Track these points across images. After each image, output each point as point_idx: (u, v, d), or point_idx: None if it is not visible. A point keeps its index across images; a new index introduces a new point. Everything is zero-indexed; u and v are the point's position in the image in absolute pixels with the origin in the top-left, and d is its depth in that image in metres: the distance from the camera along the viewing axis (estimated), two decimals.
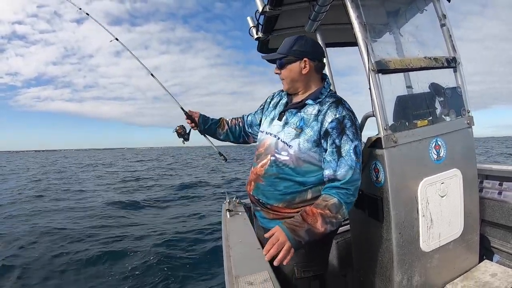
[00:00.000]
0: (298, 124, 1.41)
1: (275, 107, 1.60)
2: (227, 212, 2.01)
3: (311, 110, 1.41)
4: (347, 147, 1.29)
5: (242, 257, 1.37)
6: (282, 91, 1.62)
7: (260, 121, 1.70)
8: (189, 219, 6.71)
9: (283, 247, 1.14)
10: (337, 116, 1.33)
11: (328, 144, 1.33)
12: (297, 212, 1.34)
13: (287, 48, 1.43)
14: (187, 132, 1.93)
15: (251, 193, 1.53)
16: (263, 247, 1.29)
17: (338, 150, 1.31)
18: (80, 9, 2.31)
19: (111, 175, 18.45)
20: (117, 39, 2.14)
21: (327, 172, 1.32)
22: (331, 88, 1.51)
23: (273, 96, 1.70)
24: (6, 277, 4.01)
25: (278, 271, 1.35)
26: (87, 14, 2.28)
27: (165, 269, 4.17)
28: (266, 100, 1.72)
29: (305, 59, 1.41)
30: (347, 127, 1.31)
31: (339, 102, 1.39)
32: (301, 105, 1.45)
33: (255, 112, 1.80)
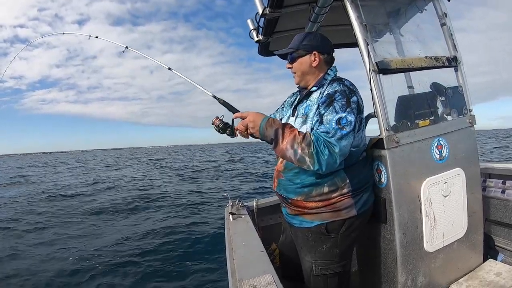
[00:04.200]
0: (304, 112, 1.47)
1: (290, 106, 1.66)
2: (230, 215, 2.01)
3: (315, 95, 1.46)
4: (330, 117, 1.28)
5: (245, 260, 1.38)
6: (298, 91, 1.66)
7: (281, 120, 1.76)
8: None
9: (252, 126, 1.37)
10: (329, 91, 1.37)
11: (313, 115, 1.37)
12: (316, 206, 1.41)
13: (298, 42, 1.50)
14: (230, 124, 1.57)
15: (275, 190, 1.59)
16: (263, 246, 1.46)
17: (321, 119, 1.31)
18: (90, 36, 2.33)
19: None
20: (127, 47, 2.12)
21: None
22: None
23: (290, 96, 1.76)
24: None
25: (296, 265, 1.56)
26: (96, 37, 2.31)
27: (166, 269, 4.18)
28: (285, 101, 1.78)
29: (314, 52, 1.47)
30: (336, 100, 1.31)
31: (336, 80, 1.43)
32: (307, 94, 1.51)
33: (276, 110, 1.83)
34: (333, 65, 1.54)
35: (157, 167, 22.51)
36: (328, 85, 1.43)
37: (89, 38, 2.34)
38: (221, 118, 1.59)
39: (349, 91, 1.35)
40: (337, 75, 1.52)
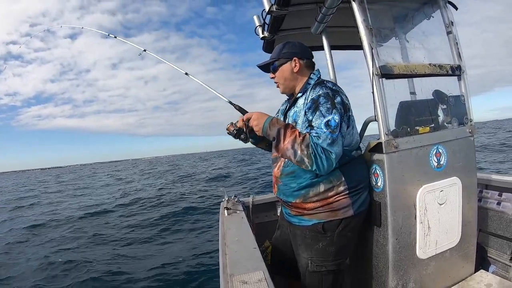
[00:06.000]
0: (293, 118, 1.50)
1: (283, 113, 1.68)
2: (225, 210, 2.01)
3: (301, 101, 1.48)
4: (319, 121, 1.31)
5: (237, 255, 1.37)
6: (288, 99, 1.69)
7: None
8: None
9: (255, 124, 1.45)
10: (313, 96, 1.39)
11: (303, 122, 1.40)
12: (314, 206, 1.43)
13: (278, 52, 1.56)
14: (243, 130, 1.58)
15: (276, 195, 1.62)
16: (256, 243, 1.49)
17: (309, 124, 1.34)
18: (109, 34, 2.37)
19: None
20: (145, 50, 2.16)
21: None
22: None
23: (283, 104, 1.78)
24: None
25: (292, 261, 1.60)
26: (114, 37, 2.34)
27: (158, 263, 4.18)
28: (279, 109, 1.80)
29: (294, 58, 1.51)
30: (321, 104, 1.34)
31: (318, 84, 1.46)
32: (294, 101, 1.54)
33: None
34: (315, 69, 1.57)
35: None
36: (311, 90, 1.45)
37: (107, 37, 2.41)
38: (235, 124, 1.62)
39: (332, 92, 1.38)
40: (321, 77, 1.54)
